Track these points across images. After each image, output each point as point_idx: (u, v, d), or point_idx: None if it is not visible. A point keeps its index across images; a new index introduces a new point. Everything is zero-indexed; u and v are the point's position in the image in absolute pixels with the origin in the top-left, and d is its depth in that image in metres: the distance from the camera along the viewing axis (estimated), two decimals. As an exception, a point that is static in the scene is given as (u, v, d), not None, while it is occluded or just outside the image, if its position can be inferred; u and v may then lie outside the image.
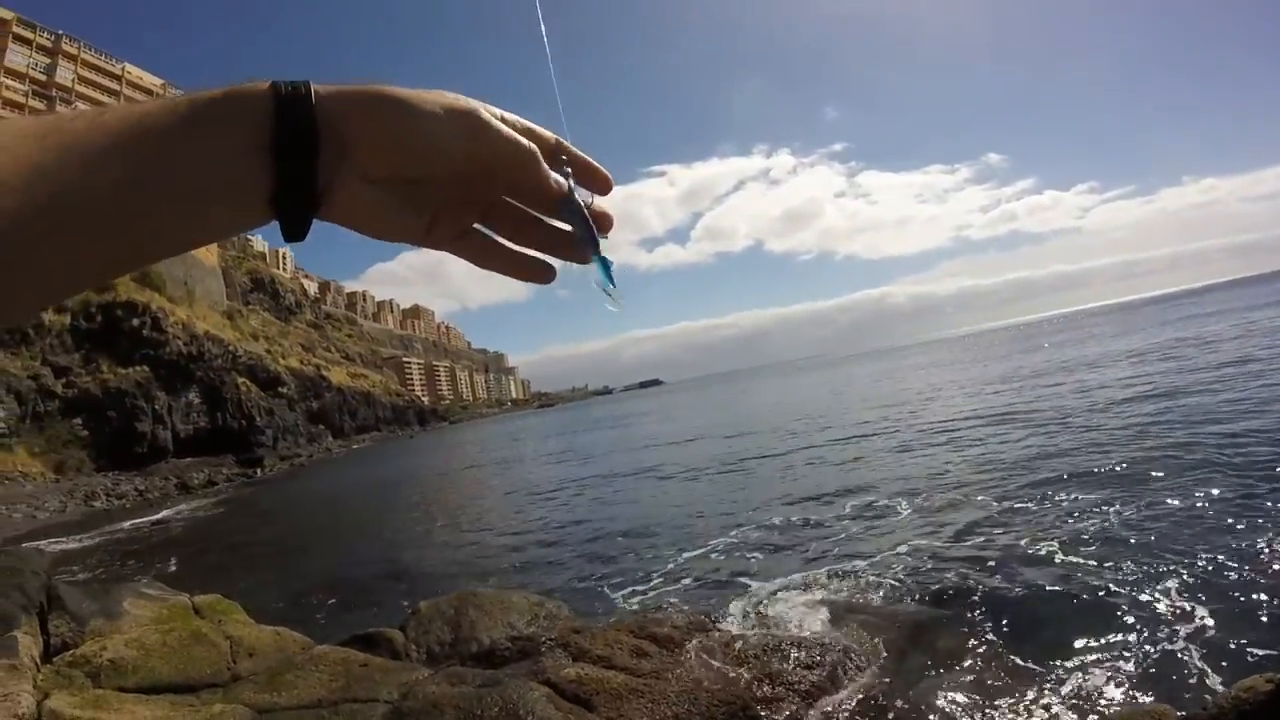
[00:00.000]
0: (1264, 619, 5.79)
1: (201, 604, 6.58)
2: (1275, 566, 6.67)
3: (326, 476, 39.96)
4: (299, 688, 5.05)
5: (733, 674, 5.70)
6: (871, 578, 8.46)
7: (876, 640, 6.23)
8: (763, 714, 5.24)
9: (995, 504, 10.78)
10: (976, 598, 7.24)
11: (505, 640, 6.93)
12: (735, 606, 8.19)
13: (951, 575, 8.00)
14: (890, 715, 5.22)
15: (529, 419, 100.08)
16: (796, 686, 5.50)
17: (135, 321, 57.87)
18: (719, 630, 6.85)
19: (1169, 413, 15.48)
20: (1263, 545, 7.07)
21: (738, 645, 6.07)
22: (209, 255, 77.25)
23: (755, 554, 10.48)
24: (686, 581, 9.61)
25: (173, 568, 16.37)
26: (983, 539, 9.39)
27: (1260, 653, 5.18)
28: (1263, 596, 6.07)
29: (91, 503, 37.02)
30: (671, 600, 8.82)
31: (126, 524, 27.58)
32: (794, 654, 5.79)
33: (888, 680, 5.68)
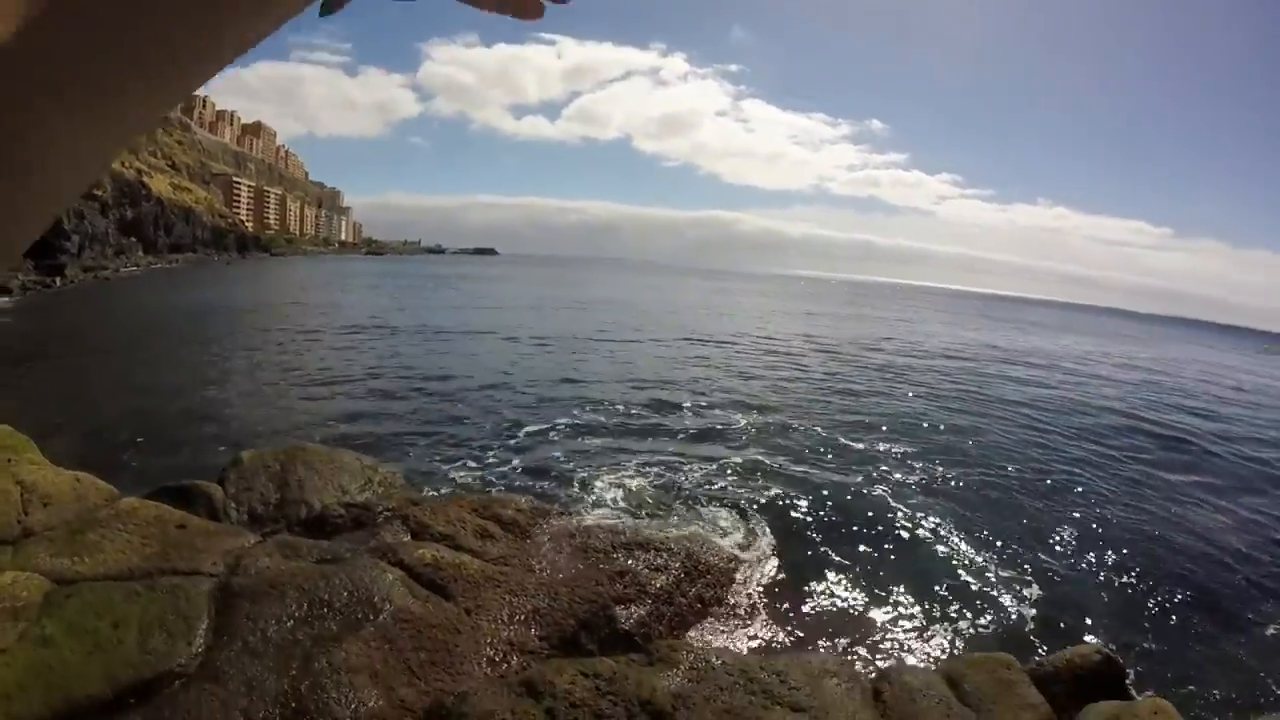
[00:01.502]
0: (1090, 582, 6.65)
1: (-19, 437, 5.36)
2: (1093, 535, 7.65)
3: (137, 295, 34.81)
4: (105, 551, 4.21)
5: (585, 569, 5.60)
6: (713, 481, 8.64)
7: (719, 545, 6.35)
8: (620, 615, 5.20)
9: (824, 431, 11.63)
10: (816, 517, 7.68)
11: (338, 506, 6.30)
12: (580, 493, 8.04)
13: (792, 490, 8.37)
14: (734, 624, 5.43)
15: (356, 264, 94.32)
16: (648, 588, 5.47)
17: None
18: (566, 517, 6.71)
19: (1000, 378, 17.49)
20: (1088, 513, 8.11)
21: (587, 537, 5.89)
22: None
23: (597, 439, 10.33)
24: (526, 459, 9.23)
25: (-57, 390, 13.49)
26: (819, 460, 10.01)
27: (1081, 621, 5.91)
28: (1090, 559, 7.00)
29: None
30: (512, 478, 8.48)
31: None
32: (643, 555, 5.67)
33: (731, 588, 5.79)
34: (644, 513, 7.63)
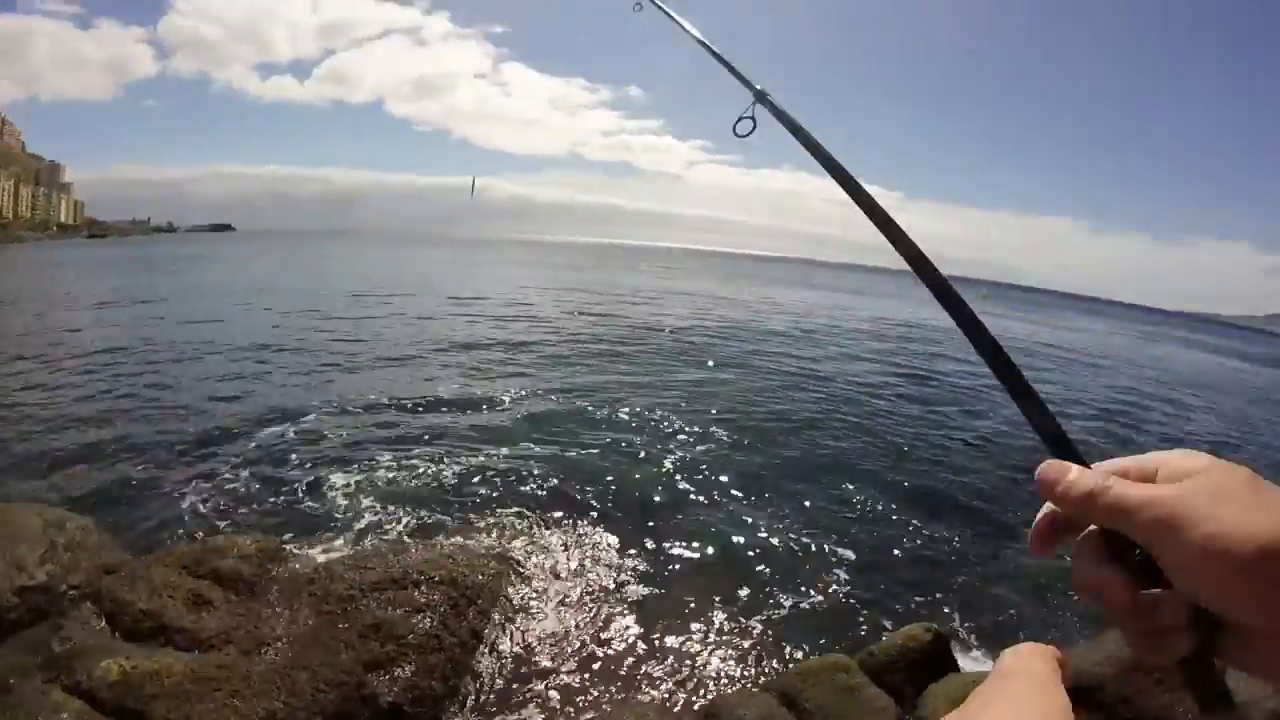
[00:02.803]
0: (895, 546, 6.65)
1: None
2: (891, 514, 7.80)
3: None
4: None
5: (329, 631, 4.35)
6: (476, 473, 7.55)
7: (488, 557, 5.40)
8: (380, 687, 4.04)
9: (594, 405, 10.90)
10: (595, 506, 6.95)
11: (10, 594, 4.58)
12: (322, 514, 6.60)
13: (565, 487, 7.43)
14: (522, 668, 4.54)
15: (78, 250, 78.30)
16: (409, 638, 4.38)
17: None
18: (302, 554, 5.34)
19: (755, 349, 18.30)
20: (874, 494, 8.27)
21: (330, 582, 4.66)
22: None
23: (340, 437, 8.79)
24: (248, 481, 7.42)
25: None
26: (590, 435, 9.29)
27: (896, 589, 5.84)
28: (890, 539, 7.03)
29: None
30: (238, 506, 6.75)
31: None
32: (398, 594, 4.61)
33: (511, 609, 4.88)
34: (397, 528, 6.38)
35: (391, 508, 6.78)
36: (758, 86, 1.02)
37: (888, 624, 5.18)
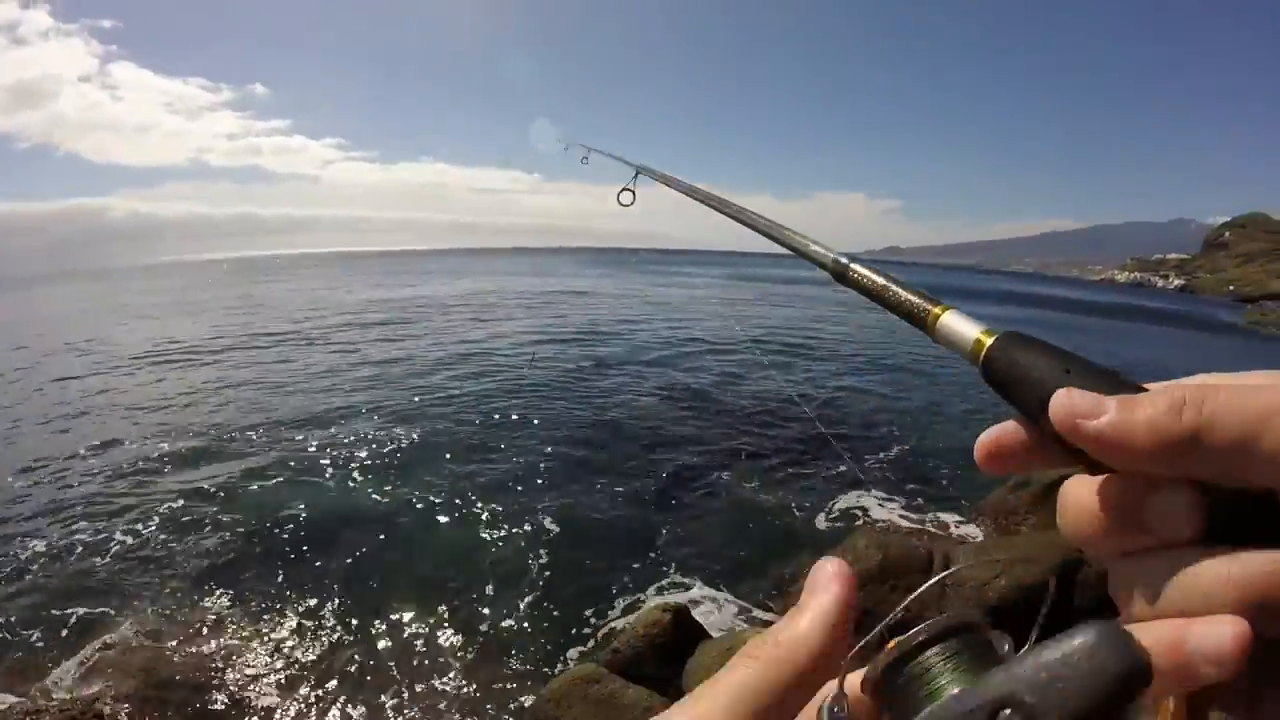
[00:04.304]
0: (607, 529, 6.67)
1: None
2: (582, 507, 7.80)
3: None
4: None
5: None
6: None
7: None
8: None
9: (285, 447, 9.49)
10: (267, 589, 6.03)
11: None
12: None
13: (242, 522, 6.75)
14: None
15: None
16: None
17: None
18: None
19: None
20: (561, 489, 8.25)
21: None
22: None
23: None
24: None
25: None
26: (284, 474, 8.31)
27: (620, 571, 5.86)
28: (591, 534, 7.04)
29: None
30: None
31: None
32: None
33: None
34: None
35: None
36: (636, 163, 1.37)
37: (620, 604, 5.28)
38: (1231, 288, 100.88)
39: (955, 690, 0.28)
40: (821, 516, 7.43)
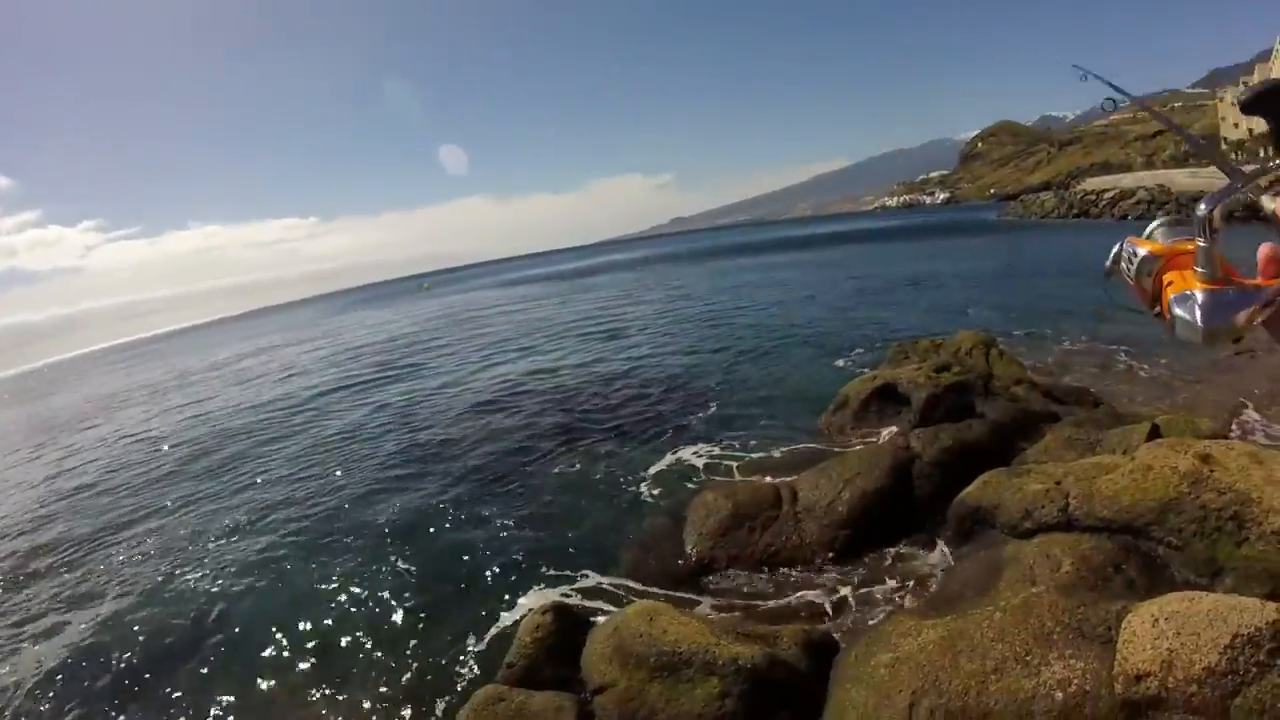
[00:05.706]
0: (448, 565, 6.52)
1: None
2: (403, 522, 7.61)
3: None
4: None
5: None
6: None
7: None
8: None
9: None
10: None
11: None
12: None
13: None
14: None
15: None
16: None
17: None
18: None
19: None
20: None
21: None
22: None
23: None
24: None
25: None
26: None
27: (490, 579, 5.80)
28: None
29: None
30: None
31: None
32: None
33: None
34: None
35: None
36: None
37: (499, 619, 5.31)
38: (993, 190, 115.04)
39: None
40: (657, 479, 7.77)
